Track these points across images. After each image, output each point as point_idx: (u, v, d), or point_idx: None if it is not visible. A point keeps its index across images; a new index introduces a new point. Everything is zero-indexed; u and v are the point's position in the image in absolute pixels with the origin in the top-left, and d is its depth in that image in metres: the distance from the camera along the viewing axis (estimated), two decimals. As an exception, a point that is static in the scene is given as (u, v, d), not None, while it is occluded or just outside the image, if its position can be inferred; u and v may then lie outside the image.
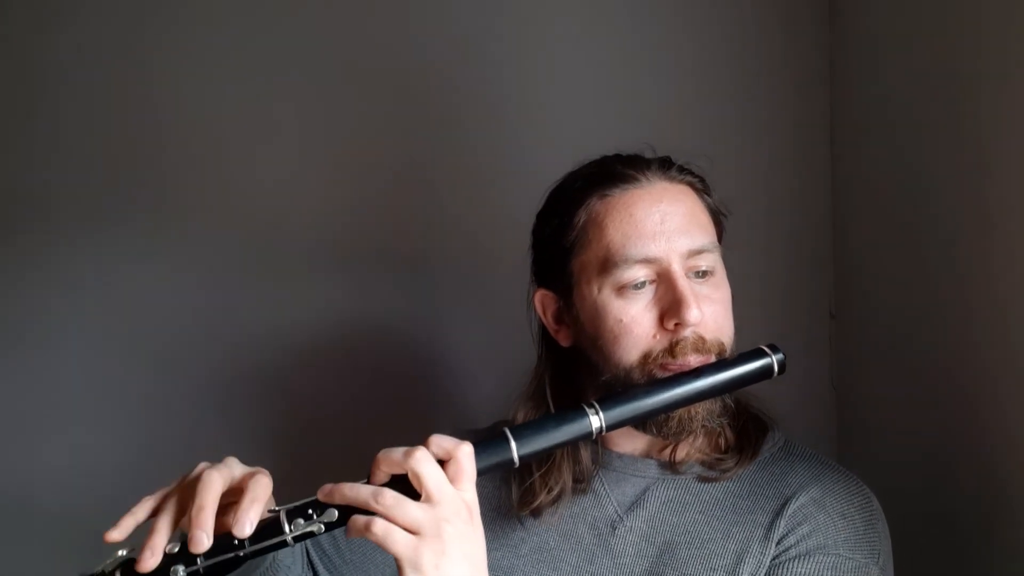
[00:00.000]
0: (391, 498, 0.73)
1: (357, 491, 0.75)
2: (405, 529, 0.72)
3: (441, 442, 0.77)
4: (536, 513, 0.96)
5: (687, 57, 1.44)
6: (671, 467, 0.96)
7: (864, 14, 1.32)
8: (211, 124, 1.46)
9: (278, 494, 0.81)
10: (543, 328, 1.01)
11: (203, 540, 0.72)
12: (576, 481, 0.96)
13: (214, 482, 0.74)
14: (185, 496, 0.76)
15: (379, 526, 0.72)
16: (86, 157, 1.46)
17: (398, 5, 1.46)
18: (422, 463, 0.74)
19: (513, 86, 1.45)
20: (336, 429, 1.46)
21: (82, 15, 1.44)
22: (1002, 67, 0.97)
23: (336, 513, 0.75)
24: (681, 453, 0.96)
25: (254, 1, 1.46)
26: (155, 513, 0.77)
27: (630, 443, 0.98)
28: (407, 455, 0.75)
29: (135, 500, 0.79)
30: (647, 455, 0.98)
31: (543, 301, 0.99)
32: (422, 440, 0.78)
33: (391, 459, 0.76)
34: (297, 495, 0.81)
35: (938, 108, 1.11)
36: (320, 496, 0.76)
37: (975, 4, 1.03)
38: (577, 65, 1.45)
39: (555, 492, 0.95)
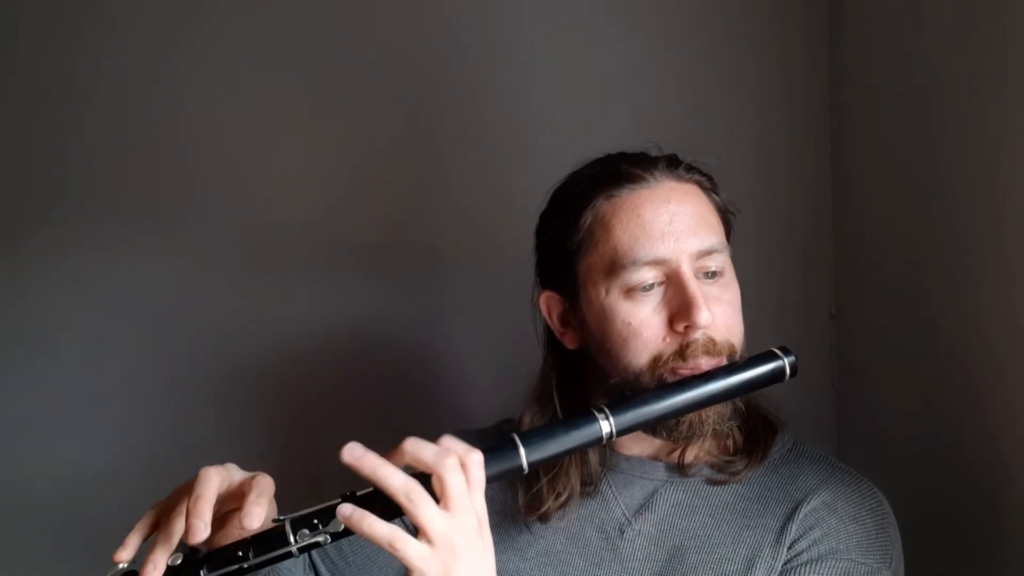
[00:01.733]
0: (420, 495, 0.71)
1: (390, 476, 0.72)
2: (420, 532, 0.70)
3: (453, 446, 0.75)
4: (543, 518, 0.94)
5: (688, 55, 1.43)
6: (679, 470, 0.95)
7: (865, 13, 1.31)
8: (213, 124, 1.45)
9: (278, 496, 0.79)
10: (548, 330, 0.99)
11: (200, 528, 0.70)
12: (584, 484, 0.95)
13: (212, 477, 0.73)
14: (185, 505, 0.74)
15: (385, 529, 0.70)
16: (85, 160, 1.44)
17: (401, 4, 1.44)
18: (452, 470, 0.72)
19: (516, 83, 1.44)
20: (339, 430, 1.41)
21: (83, 17, 1.43)
22: (1003, 64, 0.96)
23: (343, 524, 0.73)
24: (690, 456, 0.95)
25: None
26: (157, 526, 0.76)
27: (638, 445, 0.97)
28: (439, 458, 0.73)
29: (138, 503, 0.78)
30: (655, 457, 0.97)
31: (548, 303, 0.97)
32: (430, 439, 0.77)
33: (420, 454, 0.74)
34: (299, 496, 0.80)
35: (939, 107, 1.10)
36: (346, 457, 0.73)
37: (976, 2, 1.02)
38: (580, 63, 1.44)
39: (563, 497, 0.94)
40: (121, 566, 0.73)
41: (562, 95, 1.44)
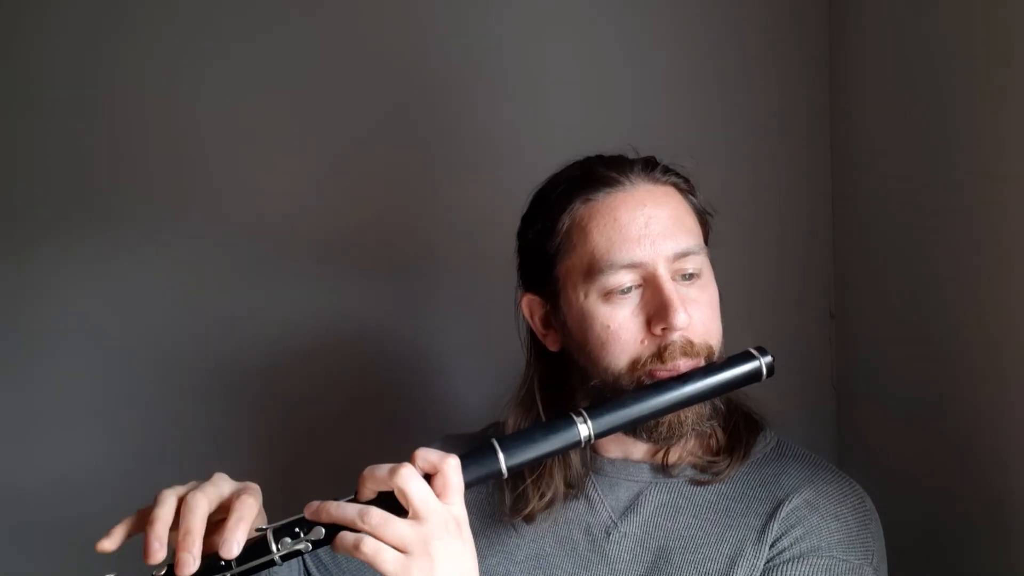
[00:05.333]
0: (377, 516, 0.73)
1: (343, 510, 0.74)
2: (393, 547, 0.72)
3: (427, 456, 0.77)
4: (529, 519, 0.95)
5: (686, 54, 1.43)
6: (663, 471, 0.96)
7: (864, 9, 1.31)
8: (204, 124, 1.46)
9: (271, 497, 0.81)
10: (531, 332, 1.00)
11: (190, 562, 0.72)
12: (568, 486, 0.96)
13: (200, 505, 0.74)
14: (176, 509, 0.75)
15: (368, 545, 0.72)
16: (79, 159, 1.46)
17: (390, 2, 1.45)
18: (407, 479, 0.74)
19: (507, 83, 1.44)
20: (329, 430, 1.47)
21: (78, 12, 1.45)
22: (1004, 64, 0.96)
23: (323, 531, 0.74)
24: (673, 456, 0.96)
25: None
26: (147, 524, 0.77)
27: (620, 448, 0.98)
28: (392, 472, 0.74)
29: (131, 500, 0.79)
30: (639, 459, 0.98)
31: (530, 306, 0.98)
32: (411, 447, 0.78)
33: (376, 476, 0.75)
34: (290, 497, 0.81)
35: (939, 106, 1.10)
36: (306, 514, 0.76)
37: (976, 1, 1.02)
38: (572, 63, 1.44)
39: (548, 497, 0.94)
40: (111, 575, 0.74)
41: (552, 96, 1.44)
